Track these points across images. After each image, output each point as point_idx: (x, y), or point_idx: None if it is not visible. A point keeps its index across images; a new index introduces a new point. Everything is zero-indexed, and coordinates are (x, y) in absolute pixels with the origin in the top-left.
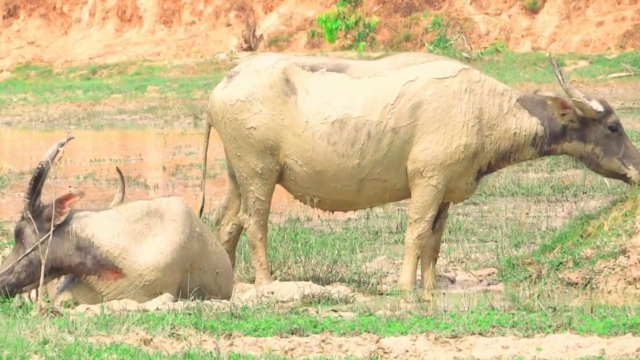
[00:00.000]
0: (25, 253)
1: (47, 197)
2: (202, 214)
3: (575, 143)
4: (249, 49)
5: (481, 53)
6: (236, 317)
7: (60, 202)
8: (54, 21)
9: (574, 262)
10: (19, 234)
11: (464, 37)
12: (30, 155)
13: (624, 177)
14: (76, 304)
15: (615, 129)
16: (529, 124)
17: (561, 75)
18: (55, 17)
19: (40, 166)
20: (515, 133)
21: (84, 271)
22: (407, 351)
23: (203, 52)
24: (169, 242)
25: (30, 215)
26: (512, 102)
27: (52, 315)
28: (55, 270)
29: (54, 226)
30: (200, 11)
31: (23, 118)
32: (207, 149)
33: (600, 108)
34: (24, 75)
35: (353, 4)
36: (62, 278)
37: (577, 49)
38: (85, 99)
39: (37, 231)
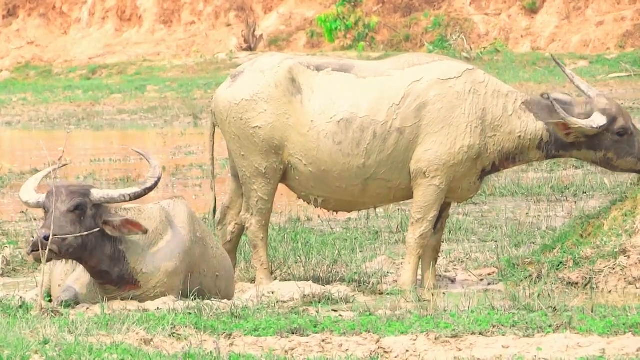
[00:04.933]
0: (81, 234)
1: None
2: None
3: (585, 151)
4: (249, 49)
5: (481, 53)
6: (236, 317)
7: (128, 223)
8: (53, 21)
9: (574, 261)
10: (79, 207)
11: (463, 37)
12: (30, 155)
13: None
14: (76, 303)
15: (624, 133)
16: (534, 128)
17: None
18: (54, 16)
19: (157, 179)
20: (519, 136)
21: (105, 279)
22: (407, 351)
23: (203, 52)
24: (177, 250)
25: (99, 203)
26: (517, 104)
27: (53, 315)
28: (66, 256)
29: (99, 228)
30: (200, 11)
31: (23, 118)
32: (213, 149)
33: (601, 122)
34: (24, 75)
35: (353, 4)
36: (61, 275)
37: (576, 49)
38: (85, 99)
39: (98, 221)
